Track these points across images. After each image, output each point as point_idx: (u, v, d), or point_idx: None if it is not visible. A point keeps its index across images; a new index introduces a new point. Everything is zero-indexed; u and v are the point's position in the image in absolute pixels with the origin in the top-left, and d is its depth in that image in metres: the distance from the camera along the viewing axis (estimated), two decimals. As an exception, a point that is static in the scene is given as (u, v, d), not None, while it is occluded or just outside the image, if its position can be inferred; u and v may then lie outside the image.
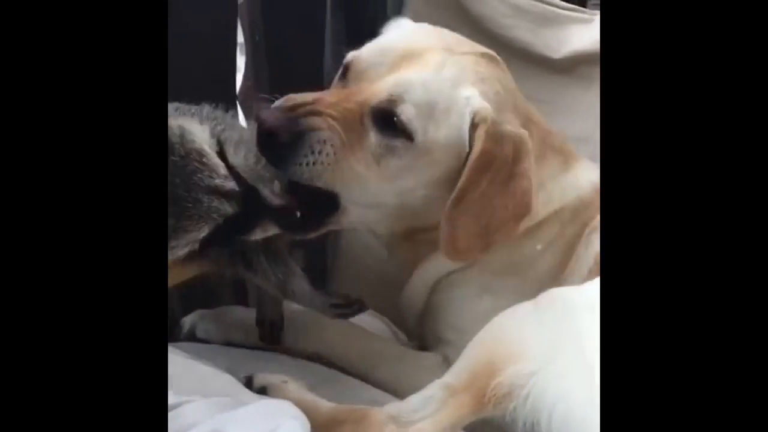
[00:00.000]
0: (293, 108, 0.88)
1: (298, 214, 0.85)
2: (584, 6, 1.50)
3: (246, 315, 1.08)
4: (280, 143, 0.86)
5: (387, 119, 0.91)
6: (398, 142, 0.92)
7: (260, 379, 0.93)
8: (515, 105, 1.01)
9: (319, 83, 1.36)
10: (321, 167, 0.89)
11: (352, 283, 1.23)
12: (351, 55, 0.98)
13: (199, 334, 1.06)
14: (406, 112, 0.91)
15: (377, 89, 0.92)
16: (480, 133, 0.93)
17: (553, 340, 0.79)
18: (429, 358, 1.04)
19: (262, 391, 0.91)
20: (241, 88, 1.30)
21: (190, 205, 0.79)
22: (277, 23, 1.30)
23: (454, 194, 0.93)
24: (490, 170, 0.93)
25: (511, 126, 0.96)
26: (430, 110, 0.92)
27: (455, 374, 0.84)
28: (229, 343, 1.05)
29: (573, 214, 1.03)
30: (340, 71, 0.99)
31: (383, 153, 0.92)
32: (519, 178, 0.95)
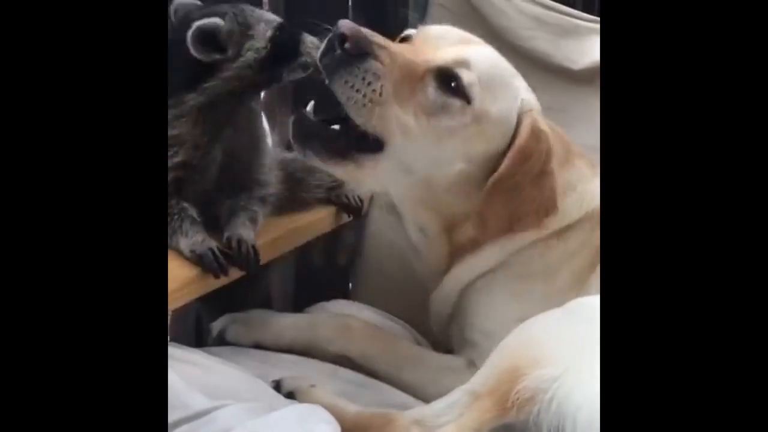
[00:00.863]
0: (366, 37, 0.94)
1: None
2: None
3: (275, 318, 1.11)
4: (345, 50, 0.92)
5: (448, 80, 0.97)
6: (456, 102, 0.97)
7: (288, 383, 0.95)
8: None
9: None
10: (361, 101, 0.93)
11: (375, 289, 1.25)
12: (420, 28, 1.07)
13: (229, 337, 1.08)
14: (469, 77, 0.97)
15: (444, 53, 0.99)
16: (526, 124, 1.00)
17: (578, 346, 0.80)
18: (454, 360, 1.06)
19: (291, 395, 0.93)
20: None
21: None
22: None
23: (495, 175, 0.98)
24: (527, 162, 0.99)
25: (547, 128, 1.03)
26: (490, 82, 0.99)
27: (480, 379, 0.85)
28: (258, 346, 1.07)
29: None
30: (398, 39, 1.06)
31: (438, 110, 0.97)
32: (548, 176, 1.01)
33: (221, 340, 1.08)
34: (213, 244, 0.91)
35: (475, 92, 0.97)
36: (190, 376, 0.85)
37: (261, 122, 1.05)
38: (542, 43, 1.29)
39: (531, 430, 0.81)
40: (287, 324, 1.10)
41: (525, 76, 1.12)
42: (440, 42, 1.02)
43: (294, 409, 0.82)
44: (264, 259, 0.96)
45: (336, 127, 0.98)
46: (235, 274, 0.93)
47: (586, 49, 1.28)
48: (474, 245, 1.05)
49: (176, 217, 0.91)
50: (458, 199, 1.02)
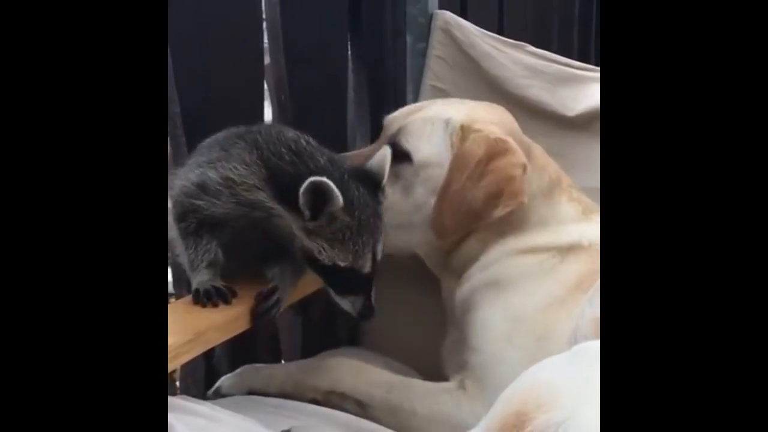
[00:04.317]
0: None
1: None
2: (598, 55, 1.56)
3: (265, 367, 1.16)
4: None
5: (394, 152, 1.08)
6: (403, 166, 1.14)
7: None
8: (508, 130, 1.17)
9: (342, 140, 1.42)
10: None
11: (383, 335, 1.27)
12: (385, 119, 1.23)
13: (224, 390, 1.13)
14: (402, 141, 1.15)
15: (388, 133, 1.17)
16: (455, 140, 1.14)
17: (583, 391, 0.80)
18: (445, 384, 1.10)
19: (298, 444, 0.94)
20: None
21: None
22: (303, 83, 1.35)
23: (440, 187, 1.12)
24: (466, 168, 1.11)
25: (487, 132, 1.13)
26: (420, 135, 1.16)
27: (486, 424, 0.86)
28: (251, 392, 1.12)
29: (572, 252, 1.13)
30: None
31: (395, 178, 1.13)
32: (490, 174, 1.11)
33: (219, 396, 1.12)
34: (218, 283, 0.95)
35: (411, 149, 1.15)
36: (201, 428, 0.86)
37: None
38: (538, 91, 1.32)
39: None
40: (277, 369, 1.16)
41: (523, 123, 1.16)
42: (392, 124, 1.20)
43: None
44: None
45: None
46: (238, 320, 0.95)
47: (581, 96, 1.31)
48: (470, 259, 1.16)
49: (200, 256, 0.96)
50: None
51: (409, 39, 1.58)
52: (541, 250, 1.13)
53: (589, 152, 1.31)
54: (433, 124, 1.16)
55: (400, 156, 1.13)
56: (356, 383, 1.10)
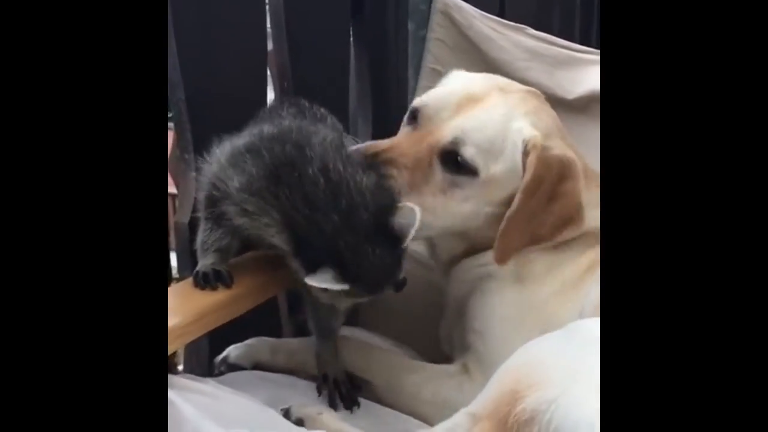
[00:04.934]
0: (374, 155, 1.04)
1: None
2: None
3: (273, 341, 1.18)
4: None
5: (452, 159, 1.06)
6: (463, 178, 1.06)
7: (297, 410, 0.98)
8: (561, 134, 1.14)
9: (344, 127, 1.43)
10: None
11: (382, 315, 1.28)
12: (418, 101, 1.13)
13: (231, 360, 1.15)
14: (468, 153, 1.06)
15: (443, 134, 1.07)
16: (531, 159, 1.07)
17: (575, 368, 0.82)
18: (449, 366, 1.11)
19: (299, 422, 0.96)
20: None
21: None
22: (305, 69, 1.36)
23: (509, 214, 1.07)
24: (538, 191, 1.07)
25: (558, 150, 1.09)
26: (488, 147, 1.07)
27: (480, 403, 0.88)
28: (257, 366, 1.14)
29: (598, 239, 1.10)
30: (407, 115, 1.14)
31: (450, 186, 1.06)
32: (561, 198, 1.08)
33: (225, 365, 1.15)
34: (221, 267, 0.97)
35: (478, 163, 1.06)
36: (203, 405, 0.88)
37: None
38: (537, 74, 1.32)
39: None
40: (284, 345, 1.17)
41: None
42: (441, 115, 1.09)
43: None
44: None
45: None
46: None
47: (579, 79, 1.31)
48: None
49: (211, 240, 0.98)
50: (487, 232, 1.10)
51: (411, 26, 1.59)
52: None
53: (588, 135, 1.31)
54: (504, 140, 1.08)
55: (462, 168, 1.06)
56: (362, 364, 1.11)
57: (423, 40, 1.42)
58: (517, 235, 1.07)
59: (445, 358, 1.17)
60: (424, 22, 1.44)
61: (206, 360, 1.20)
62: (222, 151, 0.98)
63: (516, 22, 1.40)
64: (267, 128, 0.99)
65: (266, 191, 0.92)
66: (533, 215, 1.07)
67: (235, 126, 1.05)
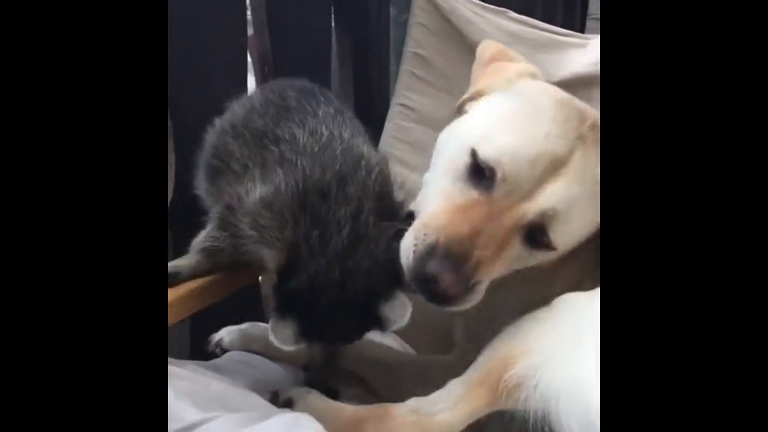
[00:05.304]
0: (461, 261, 0.85)
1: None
2: (584, 22, 1.56)
3: (264, 329, 1.15)
4: (451, 299, 0.86)
5: (534, 233, 0.90)
6: (541, 252, 0.91)
7: (285, 393, 0.97)
8: None
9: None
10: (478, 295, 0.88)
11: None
12: (493, 161, 0.88)
13: (224, 344, 1.14)
14: (554, 232, 0.90)
15: (529, 208, 0.88)
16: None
17: (561, 337, 0.84)
18: (446, 357, 1.10)
19: (288, 403, 0.95)
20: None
21: None
22: (287, 55, 1.35)
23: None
24: None
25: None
26: (570, 223, 0.91)
27: (473, 371, 0.89)
28: (250, 351, 1.13)
29: None
30: (468, 167, 0.91)
31: (524, 260, 0.92)
32: None
33: (219, 348, 1.14)
34: (188, 267, 0.94)
35: (560, 241, 0.91)
36: (184, 389, 0.87)
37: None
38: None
39: (520, 415, 0.84)
40: None
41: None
42: (523, 183, 0.88)
43: (282, 417, 0.84)
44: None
45: None
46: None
47: (562, 62, 1.31)
48: None
49: (201, 240, 0.94)
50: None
51: (392, 11, 1.59)
52: None
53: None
54: (585, 208, 0.90)
55: (542, 242, 0.90)
56: (357, 358, 1.10)
57: (404, 25, 1.42)
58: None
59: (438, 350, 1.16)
60: (406, 6, 1.43)
61: (188, 346, 1.19)
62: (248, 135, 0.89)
63: (499, 5, 1.40)
64: (303, 135, 0.88)
65: (287, 210, 0.83)
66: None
67: (214, 112, 1.03)
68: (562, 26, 1.49)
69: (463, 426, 0.86)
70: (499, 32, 1.34)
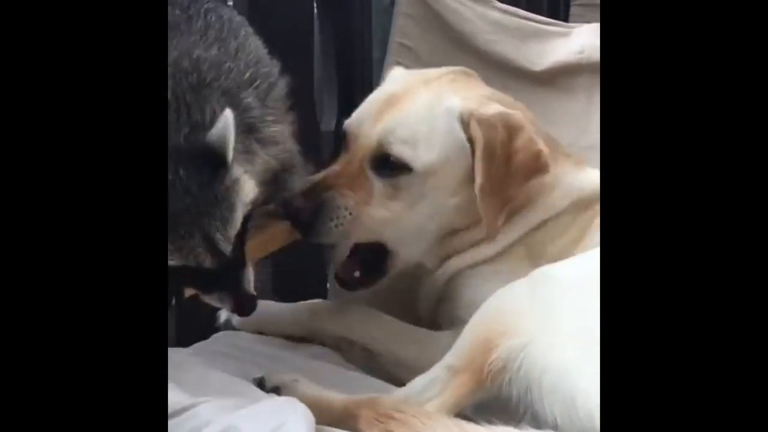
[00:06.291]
0: (311, 188, 1.03)
1: (357, 273, 1.08)
2: (568, 10, 1.56)
3: (277, 308, 1.17)
4: (304, 222, 1.02)
5: (384, 163, 1.04)
6: (400, 179, 1.04)
7: (272, 379, 0.97)
8: (502, 100, 1.10)
9: (310, 100, 1.42)
10: (342, 227, 1.03)
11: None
12: (345, 124, 1.11)
13: (235, 323, 1.15)
14: (395, 150, 1.03)
15: (368, 142, 1.05)
16: (473, 127, 1.04)
17: (545, 314, 0.85)
18: (443, 336, 1.09)
19: (275, 390, 0.95)
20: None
21: None
22: (268, 41, 1.33)
23: (478, 187, 1.03)
24: (495, 155, 1.04)
25: (495, 110, 1.06)
26: (416, 138, 1.04)
27: (455, 355, 0.90)
28: (260, 331, 1.14)
29: (587, 203, 1.10)
30: (343, 144, 1.10)
31: (393, 192, 1.04)
32: (518, 153, 1.05)
33: (228, 327, 1.15)
34: None
35: (409, 158, 1.04)
36: (171, 374, 0.86)
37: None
38: (504, 46, 1.33)
39: (503, 397, 0.85)
40: (288, 313, 1.16)
41: (488, 78, 1.17)
42: (364, 126, 1.07)
43: (270, 402, 0.85)
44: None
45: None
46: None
47: (546, 51, 1.32)
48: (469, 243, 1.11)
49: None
50: (469, 213, 1.08)
51: (375, -2, 1.58)
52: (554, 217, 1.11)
53: (553, 108, 1.32)
54: (434, 125, 1.05)
55: (395, 168, 1.04)
56: (365, 331, 1.11)
57: (387, 11, 1.42)
58: (494, 202, 1.05)
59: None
60: (389, -7, 1.43)
61: (174, 330, 1.19)
62: None
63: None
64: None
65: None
66: (500, 179, 1.04)
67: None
68: (546, 12, 1.50)
69: (451, 414, 0.86)
70: (482, 21, 1.34)
